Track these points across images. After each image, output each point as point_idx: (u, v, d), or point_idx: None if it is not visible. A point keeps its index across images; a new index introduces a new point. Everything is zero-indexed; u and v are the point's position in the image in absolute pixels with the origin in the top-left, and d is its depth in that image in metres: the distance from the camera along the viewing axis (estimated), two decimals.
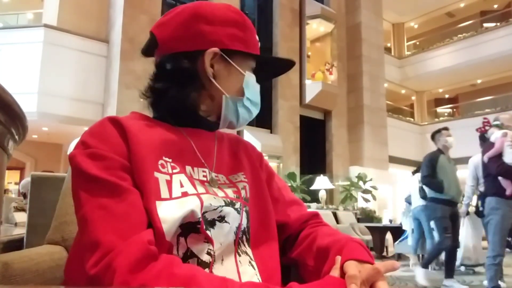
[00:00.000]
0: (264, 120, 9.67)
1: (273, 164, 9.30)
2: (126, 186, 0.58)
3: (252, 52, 0.76)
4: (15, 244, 1.20)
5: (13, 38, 7.88)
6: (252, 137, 8.66)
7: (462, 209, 4.85)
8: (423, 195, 5.57)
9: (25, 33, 7.96)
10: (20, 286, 0.70)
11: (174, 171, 0.64)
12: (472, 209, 4.94)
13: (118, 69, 7.53)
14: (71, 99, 7.82)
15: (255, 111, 0.77)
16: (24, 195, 4.07)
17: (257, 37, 0.79)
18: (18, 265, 0.74)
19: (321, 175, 8.74)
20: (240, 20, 0.76)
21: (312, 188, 8.55)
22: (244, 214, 0.70)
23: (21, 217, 3.43)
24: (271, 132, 9.71)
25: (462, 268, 5.21)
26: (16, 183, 11.13)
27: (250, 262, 0.67)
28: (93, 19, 8.51)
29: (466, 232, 5.08)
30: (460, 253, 4.90)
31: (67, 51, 7.89)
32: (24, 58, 7.64)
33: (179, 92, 0.70)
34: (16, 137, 0.80)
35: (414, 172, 6.07)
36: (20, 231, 1.59)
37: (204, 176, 0.68)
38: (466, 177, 4.73)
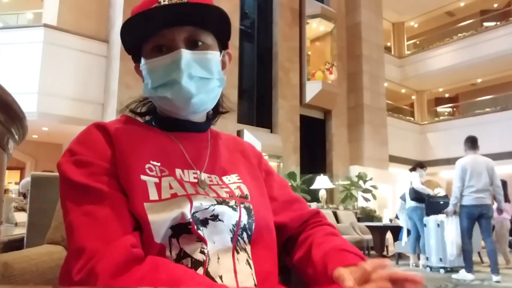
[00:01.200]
0: (264, 119, 9.67)
1: (273, 164, 9.29)
2: (110, 191, 0.59)
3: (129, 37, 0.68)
4: (15, 244, 1.20)
5: (13, 38, 7.87)
6: (252, 136, 8.65)
7: (449, 208, 4.87)
8: (413, 197, 5.63)
9: (25, 33, 7.95)
10: (20, 286, 0.70)
11: (163, 174, 0.64)
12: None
13: (118, 69, 7.53)
14: (71, 99, 7.81)
15: (175, 92, 0.66)
16: (24, 195, 4.07)
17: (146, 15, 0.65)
18: (18, 265, 0.74)
19: (321, 175, 8.75)
20: None
21: (312, 187, 8.55)
22: (244, 211, 0.68)
23: (21, 217, 3.43)
24: (271, 132, 9.70)
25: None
26: (16, 183, 11.12)
27: (247, 260, 0.66)
28: (93, 19, 8.51)
29: (456, 230, 5.01)
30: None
31: (67, 51, 7.89)
32: (24, 58, 7.64)
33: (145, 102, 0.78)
34: (16, 137, 0.80)
35: (411, 170, 6.04)
36: (20, 231, 1.59)
37: (195, 178, 0.68)
38: (453, 178, 4.85)
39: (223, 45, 0.74)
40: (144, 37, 0.68)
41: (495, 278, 4.45)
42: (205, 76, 0.68)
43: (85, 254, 0.53)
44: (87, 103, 8.01)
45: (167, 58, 0.66)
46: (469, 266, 4.62)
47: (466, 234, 4.64)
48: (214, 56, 0.70)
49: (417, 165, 6.00)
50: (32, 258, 0.80)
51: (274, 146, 9.20)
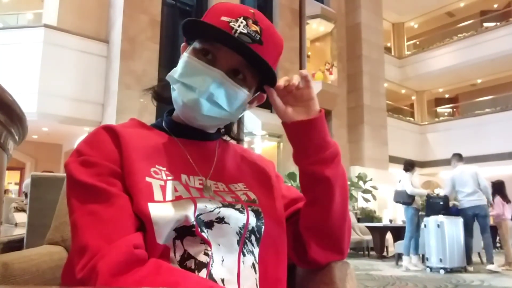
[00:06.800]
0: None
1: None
2: (115, 192, 0.59)
3: (188, 35, 0.71)
4: (15, 245, 1.21)
5: (13, 38, 7.88)
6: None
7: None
8: (397, 200, 5.77)
9: (25, 33, 7.96)
10: (20, 286, 0.70)
11: (169, 178, 0.65)
12: None
13: (118, 69, 7.53)
14: (71, 99, 7.82)
15: (189, 99, 0.66)
16: (26, 195, 4.08)
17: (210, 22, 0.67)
18: (18, 265, 0.74)
19: None
20: None
21: None
22: (252, 213, 0.68)
23: (21, 217, 3.44)
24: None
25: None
26: (16, 183, 11.13)
27: (253, 264, 0.66)
28: (93, 19, 8.52)
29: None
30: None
31: (67, 51, 7.90)
32: (24, 58, 7.65)
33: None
34: (16, 137, 0.80)
35: (405, 170, 6.04)
36: (20, 232, 1.59)
37: (200, 184, 0.68)
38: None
39: (261, 88, 0.74)
40: (203, 37, 0.69)
41: (489, 266, 5.20)
42: (223, 106, 0.68)
43: (88, 252, 0.53)
44: (87, 103, 8.02)
45: (206, 69, 0.67)
46: (468, 258, 5.33)
47: (465, 231, 5.32)
48: (243, 94, 0.70)
49: (410, 164, 5.99)
50: (32, 258, 0.80)
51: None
